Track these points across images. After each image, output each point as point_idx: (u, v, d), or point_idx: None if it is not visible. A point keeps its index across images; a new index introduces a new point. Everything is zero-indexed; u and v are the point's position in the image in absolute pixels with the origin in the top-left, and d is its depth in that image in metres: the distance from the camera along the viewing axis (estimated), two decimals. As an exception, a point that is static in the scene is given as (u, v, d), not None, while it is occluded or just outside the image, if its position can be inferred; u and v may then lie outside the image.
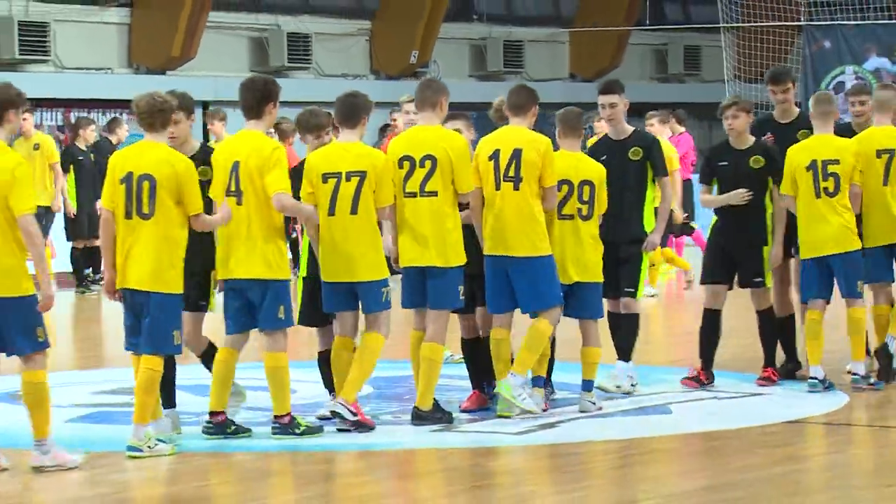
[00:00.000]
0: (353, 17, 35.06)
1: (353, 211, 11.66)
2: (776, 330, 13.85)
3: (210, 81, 30.33)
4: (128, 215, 10.95)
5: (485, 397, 12.65)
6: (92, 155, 24.17)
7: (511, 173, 12.11)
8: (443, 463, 11.39)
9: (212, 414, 11.53)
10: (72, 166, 24.39)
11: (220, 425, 11.48)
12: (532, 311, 12.31)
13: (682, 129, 24.20)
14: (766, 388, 13.63)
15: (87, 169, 24.18)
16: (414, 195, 11.92)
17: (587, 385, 12.67)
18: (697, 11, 39.39)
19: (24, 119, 21.11)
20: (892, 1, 34.26)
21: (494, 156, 12.21)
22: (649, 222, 13.36)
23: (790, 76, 14.61)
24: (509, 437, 11.72)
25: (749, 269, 13.61)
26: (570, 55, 38.01)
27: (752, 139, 13.73)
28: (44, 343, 10.53)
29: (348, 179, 11.65)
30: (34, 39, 29.11)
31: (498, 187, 12.16)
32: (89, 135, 24.51)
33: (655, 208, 13.55)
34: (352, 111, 11.96)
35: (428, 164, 11.87)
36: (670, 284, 23.79)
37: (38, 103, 26.84)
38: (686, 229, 22.34)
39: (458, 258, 11.99)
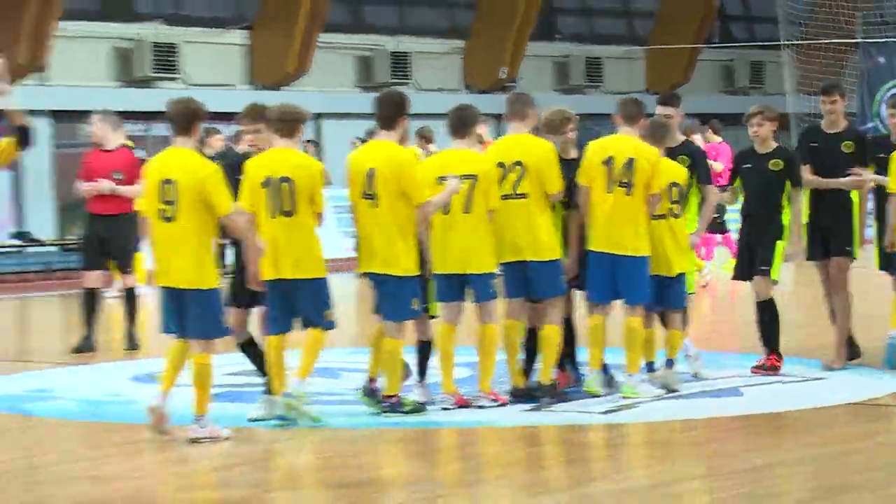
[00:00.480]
0: (449, 36, 34.87)
1: (466, 210, 11.61)
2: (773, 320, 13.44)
3: (321, 96, 30.15)
4: (272, 214, 11.04)
5: (568, 376, 12.39)
6: (217, 161, 23.79)
7: (625, 179, 12.03)
8: (541, 438, 11.22)
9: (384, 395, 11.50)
10: None
11: (395, 405, 11.44)
12: (631, 304, 12.23)
13: (719, 138, 23.80)
14: (829, 372, 13.19)
15: None
16: (507, 197, 11.84)
17: (670, 363, 12.57)
18: (761, 30, 38.81)
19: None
20: None
21: (608, 161, 12.07)
22: (691, 225, 13.10)
23: (839, 89, 14.10)
24: (595, 416, 11.45)
25: (760, 258, 13.29)
26: (645, 71, 37.71)
27: (774, 144, 13.39)
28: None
29: (461, 182, 11.63)
30: (165, 59, 29.49)
31: (609, 190, 12.05)
32: (216, 142, 24.06)
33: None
34: (462, 122, 11.92)
35: (518, 169, 11.81)
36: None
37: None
38: (719, 227, 22.00)
39: (554, 252, 11.91)
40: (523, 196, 11.77)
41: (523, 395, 11.89)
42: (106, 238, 15.59)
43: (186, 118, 10.83)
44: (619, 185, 12.04)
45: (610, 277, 12.11)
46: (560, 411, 11.64)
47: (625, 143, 12.26)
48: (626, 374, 12.17)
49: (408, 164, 11.33)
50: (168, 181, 10.51)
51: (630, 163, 12.04)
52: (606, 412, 11.52)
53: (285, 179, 10.96)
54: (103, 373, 14.24)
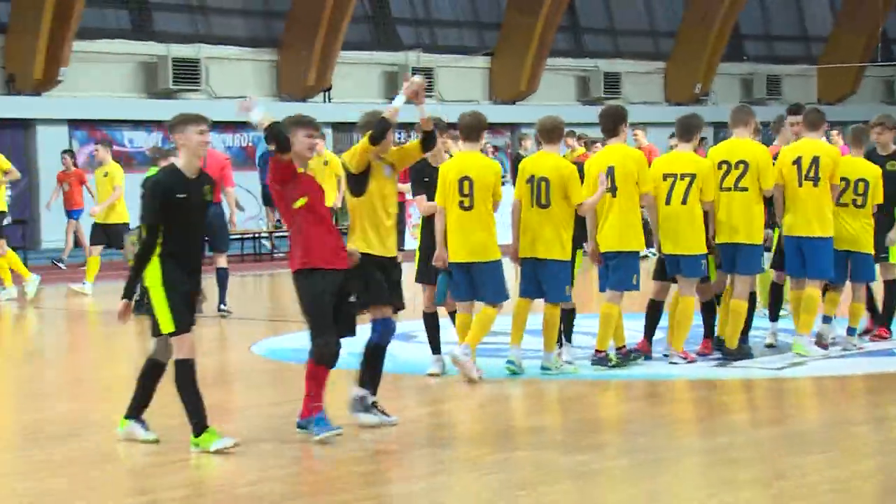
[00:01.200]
0: (653, 59, 34.50)
1: (683, 202, 11.43)
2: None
3: (546, 109, 29.53)
4: (532, 206, 10.97)
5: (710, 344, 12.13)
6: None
7: (812, 174, 11.79)
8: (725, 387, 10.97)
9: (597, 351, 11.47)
10: None
11: (602, 359, 11.41)
12: (811, 278, 11.96)
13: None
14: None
15: None
16: (729, 189, 11.62)
17: (851, 331, 12.35)
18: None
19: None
20: None
21: (797, 161, 11.83)
22: None
23: None
24: (771, 372, 11.29)
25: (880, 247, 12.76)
26: (817, 85, 37.01)
27: (894, 147, 12.80)
28: None
29: (682, 179, 11.45)
30: (187, 73, 27.11)
31: (800, 185, 11.81)
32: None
33: None
34: (687, 128, 11.81)
35: (741, 167, 11.58)
36: None
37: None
38: None
39: (759, 237, 11.67)
40: (745, 189, 11.51)
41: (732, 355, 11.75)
42: None
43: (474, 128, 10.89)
44: (807, 180, 11.79)
45: (802, 256, 11.90)
46: (742, 367, 11.42)
47: (811, 144, 11.96)
48: (798, 335, 11.93)
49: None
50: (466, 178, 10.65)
51: (815, 160, 11.78)
52: (780, 368, 11.33)
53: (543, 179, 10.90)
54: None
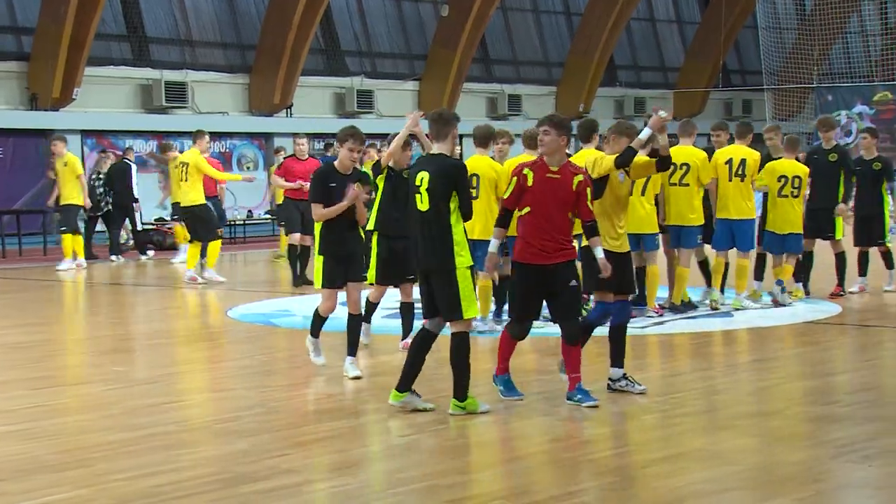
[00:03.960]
0: (546, 83, 34.42)
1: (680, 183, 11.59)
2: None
3: (306, 121, 27.93)
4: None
5: None
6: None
7: (739, 172, 11.91)
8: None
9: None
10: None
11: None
12: (740, 251, 12.15)
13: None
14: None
15: None
16: (675, 185, 11.62)
17: (779, 282, 12.34)
18: (754, 80, 37.84)
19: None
20: (869, 70, 33.36)
21: (728, 162, 11.94)
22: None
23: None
24: (637, 330, 10.68)
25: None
26: (673, 105, 37.07)
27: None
28: None
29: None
30: (177, 93, 26.50)
31: (730, 180, 11.94)
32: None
33: None
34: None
35: (684, 167, 11.60)
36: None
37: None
38: None
39: (700, 220, 11.76)
40: (687, 185, 11.51)
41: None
42: (302, 213, 14.97)
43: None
44: (735, 176, 11.87)
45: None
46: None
47: (739, 150, 11.97)
48: (737, 294, 12.10)
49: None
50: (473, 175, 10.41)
51: (742, 161, 11.85)
52: (643, 327, 10.82)
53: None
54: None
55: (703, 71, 36.80)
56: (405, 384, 7.38)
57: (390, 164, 9.60)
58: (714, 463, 6.21)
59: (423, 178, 7.28)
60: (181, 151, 18.19)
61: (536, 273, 7.45)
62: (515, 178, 7.54)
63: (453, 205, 7.22)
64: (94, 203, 20.17)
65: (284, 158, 15.80)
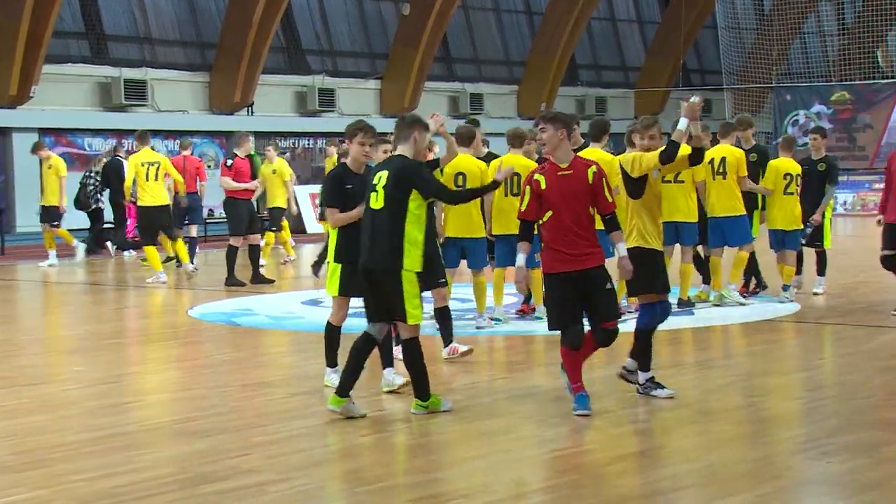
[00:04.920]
0: (508, 83, 34.43)
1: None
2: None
3: (267, 119, 28.26)
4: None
5: None
6: None
7: (721, 170, 12.10)
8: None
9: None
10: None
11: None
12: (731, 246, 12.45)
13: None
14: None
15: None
16: (670, 182, 11.54)
17: (786, 288, 12.63)
18: (713, 79, 38.09)
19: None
20: (827, 70, 33.67)
21: (711, 162, 12.10)
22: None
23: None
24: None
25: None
26: (634, 105, 37.25)
27: (754, 141, 13.16)
28: None
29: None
30: (136, 91, 26.29)
31: (714, 178, 12.13)
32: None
33: None
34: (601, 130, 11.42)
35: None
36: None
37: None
38: None
39: (695, 217, 11.86)
40: (682, 182, 11.56)
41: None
42: (251, 213, 15.44)
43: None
44: (717, 174, 12.00)
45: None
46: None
47: (721, 149, 12.08)
48: (728, 284, 12.32)
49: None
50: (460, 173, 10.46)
51: (723, 160, 12.01)
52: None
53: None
54: (283, 299, 13.97)
55: (663, 70, 37.01)
56: (344, 390, 7.18)
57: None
58: (674, 460, 6.25)
59: (381, 176, 7.21)
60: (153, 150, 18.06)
61: (569, 280, 7.17)
62: (528, 187, 7.24)
63: (413, 204, 7.10)
64: (83, 202, 20.84)
65: (234, 159, 15.71)
